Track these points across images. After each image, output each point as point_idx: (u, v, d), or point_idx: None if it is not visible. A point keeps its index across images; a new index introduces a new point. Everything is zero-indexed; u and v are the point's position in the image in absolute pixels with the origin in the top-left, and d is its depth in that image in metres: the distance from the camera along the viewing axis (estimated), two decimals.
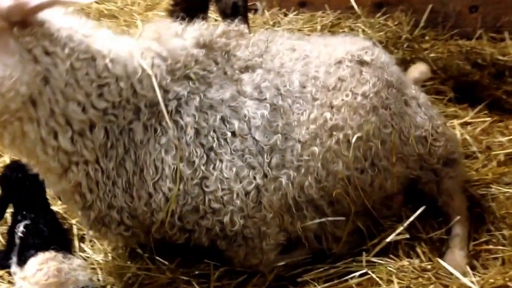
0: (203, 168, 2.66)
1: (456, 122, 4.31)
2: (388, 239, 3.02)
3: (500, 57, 5.52)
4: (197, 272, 2.93)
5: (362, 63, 3.07)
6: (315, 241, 3.00)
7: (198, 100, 2.69)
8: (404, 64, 5.19)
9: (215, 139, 2.69)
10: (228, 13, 4.39)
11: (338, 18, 6.00)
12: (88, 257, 3.11)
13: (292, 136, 2.83)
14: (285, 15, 6.18)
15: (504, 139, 4.19)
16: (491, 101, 4.74)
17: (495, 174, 3.78)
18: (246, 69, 2.88)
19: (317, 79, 2.96)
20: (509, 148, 4.06)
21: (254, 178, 2.72)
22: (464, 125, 4.39)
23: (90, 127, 2.55)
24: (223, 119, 2.72)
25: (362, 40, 3.35)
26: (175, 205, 2.67)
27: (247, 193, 2.72)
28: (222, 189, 2.68)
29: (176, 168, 2.62)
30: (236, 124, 2.72)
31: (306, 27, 5.82)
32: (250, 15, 6.15)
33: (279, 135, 2.79)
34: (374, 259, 2.97)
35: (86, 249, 3.19)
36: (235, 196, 2.70)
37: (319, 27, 5.79)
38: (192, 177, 2.66)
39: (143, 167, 2.65)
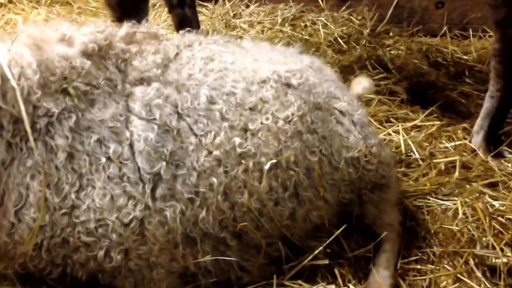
0: (73, 196, 2.21)
1: (401, 127, 3.89)
2: (304, 262, 2.63)
3: (462, 56, 5.22)
4: None
5: (288, 85, 2.65)
6: (220, 273, 2.53)
7: (74, 119, 2.23)
8: (361, 61, 4.91)
9: (88, 163, 2.23)
10: (175, 4, 4.02)
11: (301, 11, 5.66)
12: None
13: (186, 164, 2.35)
14: (247, 6, 5.80)
15: (450, 145, 3.82)
16: (444, 103, 4.38)
17: (434, 184, 3.38)
18: (141, 81, 2.40)
19: (232, 96, 2.51)
20: (453, 155, 3.66)
21: (134, 209, 2.25)
22: (413, 128, 4.00)
23: None
24: (99, 142, 2.25)
25: (296, 60, 2.89)
26: (42, 237, 2.24)
27: (125, 225, 2.25)
28: (95, 220, 2.23)
29: (41, 195, 2.19)
30: (112, 147, 2.25)
31: (266, 20, 5.45)
32: (210, 6, 5.80)
33: (165, 162, 2.31)
34: (287, 283, 2.58)
35: None
36: (110, 228, 2.25)
37: (279, 20, 5.43)
38: (60, 206, 2.21)
39: (4, 191, 2.20)
